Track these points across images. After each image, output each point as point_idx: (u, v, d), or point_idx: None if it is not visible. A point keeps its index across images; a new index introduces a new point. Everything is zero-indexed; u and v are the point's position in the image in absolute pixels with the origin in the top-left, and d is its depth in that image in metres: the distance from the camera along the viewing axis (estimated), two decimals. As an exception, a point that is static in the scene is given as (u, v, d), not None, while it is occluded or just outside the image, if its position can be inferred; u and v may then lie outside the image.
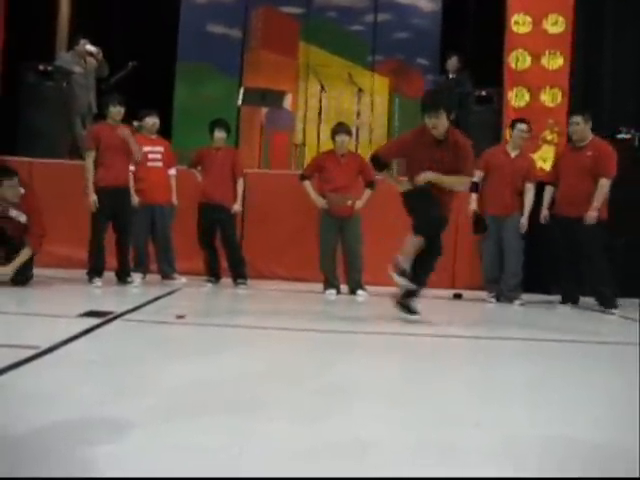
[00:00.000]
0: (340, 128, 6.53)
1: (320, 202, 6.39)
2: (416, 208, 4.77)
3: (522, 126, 6.44)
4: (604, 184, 5.98)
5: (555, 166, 6.48)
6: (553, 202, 6.34)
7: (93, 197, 6.09)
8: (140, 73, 8.37)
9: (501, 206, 6.31)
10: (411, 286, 4.65)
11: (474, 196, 6.44)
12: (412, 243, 4.68)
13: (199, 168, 6.75)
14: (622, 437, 2.27)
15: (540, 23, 7.48)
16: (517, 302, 6.23)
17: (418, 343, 4.14)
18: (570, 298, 6.27)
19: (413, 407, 2.59)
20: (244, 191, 6.82)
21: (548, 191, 6.41)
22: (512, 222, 6.26)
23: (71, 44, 8.60)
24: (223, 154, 6.68)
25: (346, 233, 6.42)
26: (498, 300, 6.32)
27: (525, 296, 6.38)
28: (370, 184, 6.48)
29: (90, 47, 8.15)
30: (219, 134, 6.63)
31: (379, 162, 5.02)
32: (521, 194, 6.36)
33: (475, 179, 6.54)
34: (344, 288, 6.50)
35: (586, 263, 6.11)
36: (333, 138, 6.48)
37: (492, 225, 6.25)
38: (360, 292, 6.35)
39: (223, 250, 6.69)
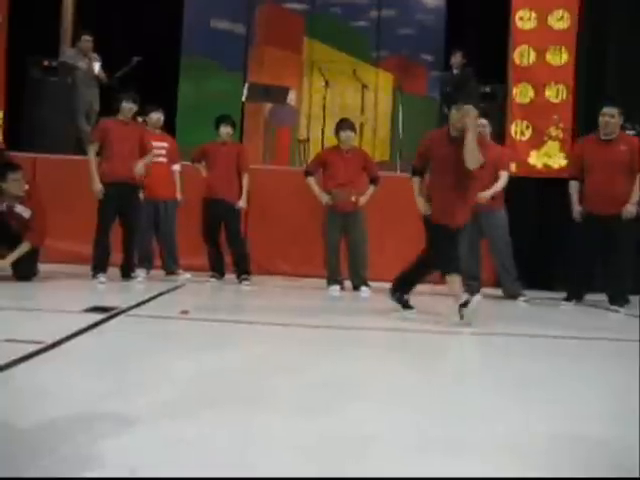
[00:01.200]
0: (344, 124, 6.50)
1: (324, 198, 6.38)
2: (437, 246, 4.77)
3: (479, 121, 6.42)
4: None
5: (576, 160, 6.24)
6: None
7: (98, 186, 6.10)
8: (144, 68, 8.38)
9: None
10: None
11: None
12: (453, 282, 4.69)
13: (203, 163, 6.74)
14: (628, 434, 2.27)
15: (545, 19, 7.45)
16: (521, 299, 6.21)
17: (421, 339, 4.14)
18: (575, 295, 6.21)
19: (415, 403, 2.59)
20: (249, 186, 6.81)
21: (574, 186, 6.14)
22: (494, 219, 6.19)
23: (75, 40, 8.61)
24: (228, 149, 6.66)
25: (351, 229, 6.41)
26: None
27: (529, 293, 6.36)
28: (374, 180, 6.47)
29: (99, 71, 8.24)
30: (225, 129, 6.60)
31: (414, 172, 5.02)
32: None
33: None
34: (348, 284, 6.50)
35: (614, 259, 5.95)
36: (337, 134, 6.47)
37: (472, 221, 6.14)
38: (364, 288, 6.33)
39: (227, 246, 6.68)
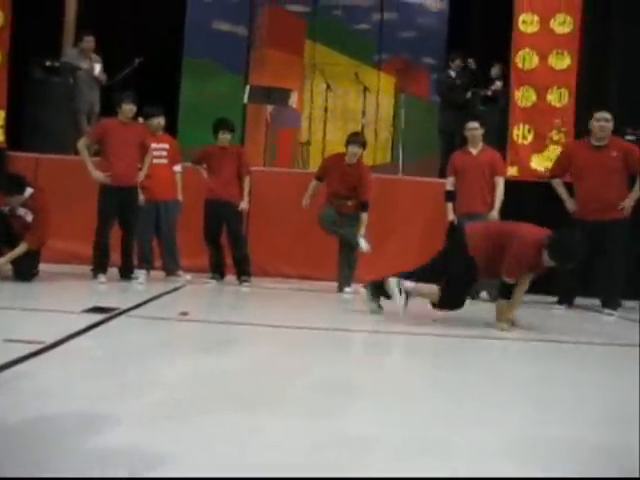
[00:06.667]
0: (355, 139, 6.53)
1: (305, 202, 6.47)
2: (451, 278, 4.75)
3: (470, 124, 6.45)
4: None
5: (563, 161, 6.29)
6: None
7: (97, 173, 6.13)
8: (146, 69, 8.38)
9: (473, 205, 6.27)
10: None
11: (450, 206, 6.44)
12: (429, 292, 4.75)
13: (204, 165, 6.75)
14: (624, 437, 2.27)
15: (547, 23, 7.44)
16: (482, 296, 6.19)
17: (417, 342, 4.13)
18: (567, 299, 6.18)
19: (413, 405, 2.59)
20: (250, 189, 6.82)
21: (559, 182, 6.22)
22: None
23: (77, 40, 8.62)
24: (230, 152, 6.67)
25: (345, 225, 6.40)
26: (473, 299, 6.16)
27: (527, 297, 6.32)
28: (363, 205, 6.39)
29: (100, 72, 8.25)
30: (223, 136, 6.62)
31: None
32: (493, 191, 6.34)
33: (449, 187, 6.56)
34: (334, 284, 6.49)
35: (606, 264, 5.98)
36: (346, 146, 6.48)
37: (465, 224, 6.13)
38: (347, 289, 6.36)
39: (229, 247, 6.68)
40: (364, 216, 6.38)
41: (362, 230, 6.35)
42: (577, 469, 1.96)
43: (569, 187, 6.24)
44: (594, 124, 5.98)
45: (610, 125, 5.93)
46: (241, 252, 6.65)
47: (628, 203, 5.89)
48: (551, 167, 6.63)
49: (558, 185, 6.24)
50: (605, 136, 5.96)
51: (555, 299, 6.23)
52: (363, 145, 6.54)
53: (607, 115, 5.93)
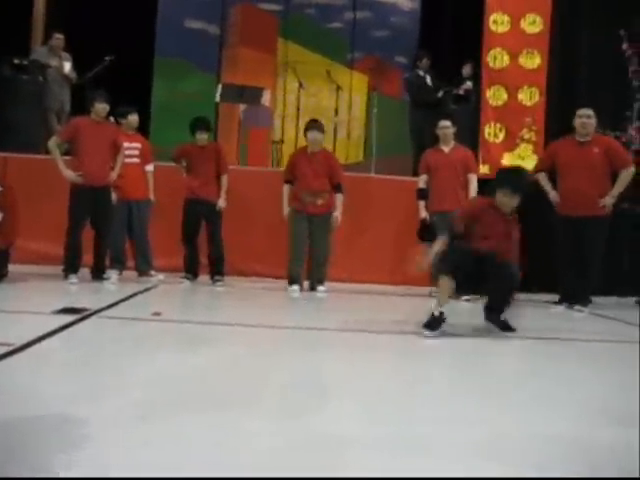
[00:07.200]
0: (313, 125, 6.52)
1: (285, 212, 6.45)
2: None
3: (442, 123, 6.50)
4: (630, 173, 5.91)
5: (547, 158, 6.30)
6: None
7: (69, 173, 6.07)
8: (117, 68, 8.30)
9: (445, 202, 6.29)
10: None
11: (422, 203, 6.48)
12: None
13: (183, 163, 6.72)
14: (604, 434, 2.30)
15: (518, 22, 7.51)
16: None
17: (394, 341, 4.14)
18: (566, 299, 6.08)
19: (392, 403, 2.59)
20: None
21: (543, 176, 6.21)
22: None
23: (47, 38, 8.51)
24: (208, 150, 6.66)
25: (314, 230, 6.40)
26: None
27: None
28: (337, 187, 6.46)
29: (70, 70, 8.15)
30: (200, 136, 6.61)
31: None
32: (466, 188, 6.39)
33: (421, 185, 6.60)
34: (305, 284, 6.48)
35: (583, 260, 5.96)
36: (305, 135, 6.49)
37: (439, 223, 6.16)
38: (320, 288, 6.38)
39: (206, 246, 6.65)
40: (340, 197, 6.43)
41: (339, 210, 6.40)
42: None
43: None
44: (576, 121, 6.02)
45: (592, 122, 5.97)
46: (218, 251, 6.63)
47: (609, 201, 5.91)
48: (536, 163, 6.70)
49: (542, 178, 6.22)
50: (587, 133, 5.99)
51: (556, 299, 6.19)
52: (322, 130, 6.54)
53: (589, 112, 5.98)
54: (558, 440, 2.21)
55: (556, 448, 2.14)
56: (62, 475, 1.72)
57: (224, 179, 6.67)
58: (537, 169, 6.40)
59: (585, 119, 5.97)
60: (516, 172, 4.74)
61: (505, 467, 1.93)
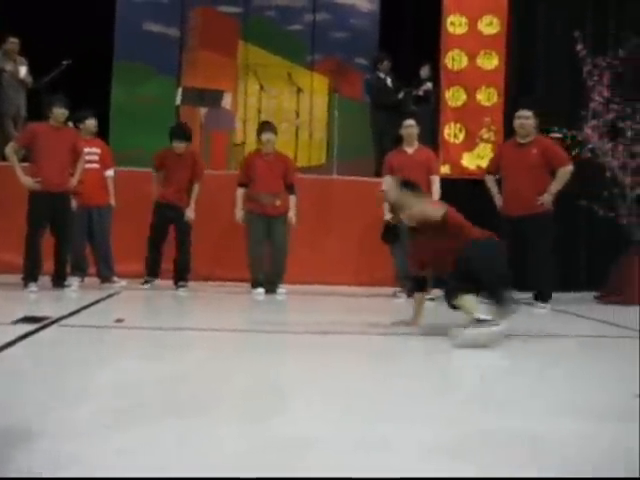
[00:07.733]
0: (266, 126, 6.58)
1: (238, 215, 6.48)
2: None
3: (406, 122, 6.56)
4: (567, 171, 6.01)
5: (495, 161, 6.45)
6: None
7: (26, 179, 5.99)
8: (75, 72, 8.19)
9: None
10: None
11: (386, 205, 6.52)
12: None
13: (162, 172, 6.68)
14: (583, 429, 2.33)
15: (475, 24, 7.61)
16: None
17: (357, 341, 4.16)
18: (543, 297, 6.14)
19: (352, 404, 2.60)
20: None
21: (490, 179, 6.37)
22: None
23: (1, 42, 8.35)
24: (184, 158, 6.65)
25: (273, 231, 6.44)
26: (409, 296, 6.19)
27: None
28: (289, 187, 6.53)
29: (26, 75, 8.03)
30: (177, 145, 6.59)
31: None
32: (428, 190, 6.45)
33: (384, 187, 6.63)
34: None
35: (532, 259, 6.06)
36: (259, 137, 6.51)
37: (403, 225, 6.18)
38: (280, 290, 6.42)
39: (171, 251, 6.60)
40: (293, 198, 6.52)
41: (293, 211, 6.49)
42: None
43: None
44: (515, 122, 6.19)
45: (530, 122, 6.10)
46: (185, 257, 6.61)
47: (547, 197, 6.02)
48: (486, 165, 6.82)
49: (490, 181, 6.41)
50: (526, 133, 6.12)
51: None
52: (275, 131, 6.59)
53: (526, 113, 6.10)
54: (532, 439, 2.23)
55: (529, 447, 2.17)
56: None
57: (196, 189, 6.63)
58: (486, 171, 6.55)
59: (524, 120, 6.11)
60: None
61: (478, 467, 1.94)
